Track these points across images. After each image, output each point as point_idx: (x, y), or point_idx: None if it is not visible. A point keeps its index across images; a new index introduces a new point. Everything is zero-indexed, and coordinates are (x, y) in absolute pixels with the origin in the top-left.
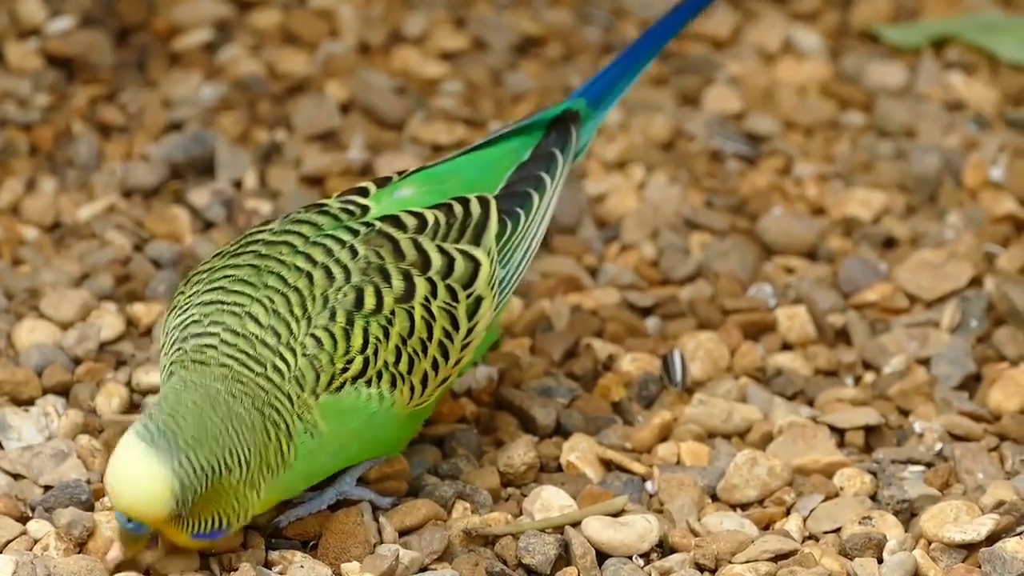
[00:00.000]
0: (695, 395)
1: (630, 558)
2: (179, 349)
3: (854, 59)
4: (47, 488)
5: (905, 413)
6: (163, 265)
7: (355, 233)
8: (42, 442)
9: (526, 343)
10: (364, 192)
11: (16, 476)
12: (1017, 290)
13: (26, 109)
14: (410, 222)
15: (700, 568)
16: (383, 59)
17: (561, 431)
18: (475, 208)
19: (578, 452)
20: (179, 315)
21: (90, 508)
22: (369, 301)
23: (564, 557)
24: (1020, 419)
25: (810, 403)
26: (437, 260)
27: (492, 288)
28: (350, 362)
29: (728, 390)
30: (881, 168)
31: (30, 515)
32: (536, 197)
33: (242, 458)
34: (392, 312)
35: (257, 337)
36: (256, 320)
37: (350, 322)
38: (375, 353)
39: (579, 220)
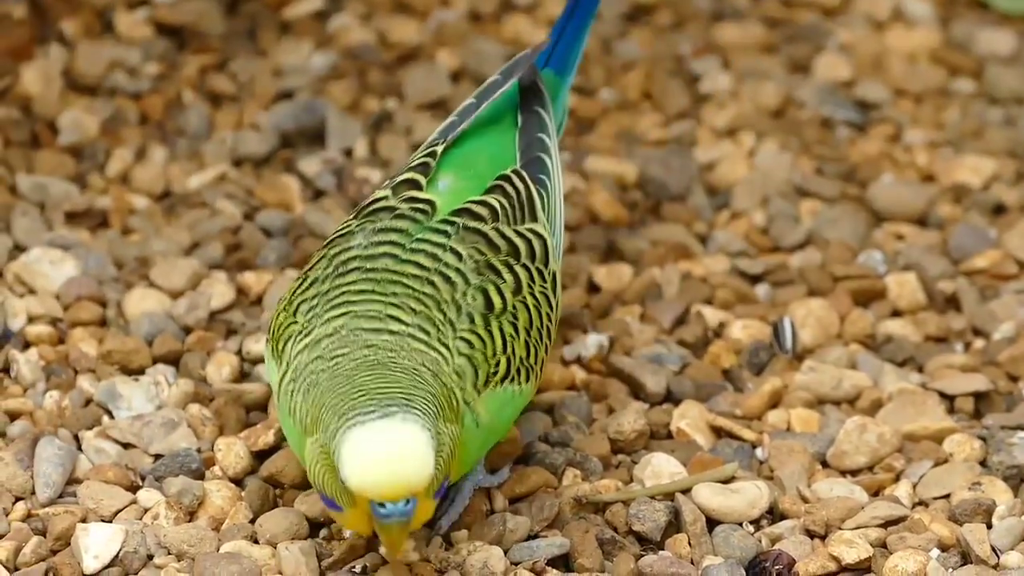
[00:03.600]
0: (805, 362)
1: (740, 524)
2: (319, 358)
3: (964, 26)
4: (157, 457)
5: (1015, 379)
6: (273, 234)
7: (446, 234)
8: (152, 411)
9: (636, 310)
10: (417, 185)
11: (126, 445)
12: None
13: (136, 78)
14: (484, 213)
15: (810, 534)
16: (494, 27)
17: (671, 398)
18: (519, 184)
19: (688, 419)
20: (302, 339)
21: (200, 477)
22: (496, 301)
23: (674, 524)
24: None
25: (920, 369)
26: (521, 245)
27: (557, 260)
28: (498, 364)
29: (838, 357)
30: (991, 135)
31: (140, 484)
32: (549, 161)
33: (440, 406)
34: (514, 307)
35: (406, 332)
36: (399, 320)
37: (487, 324)
38: (513, 351)
39: (689, 188)
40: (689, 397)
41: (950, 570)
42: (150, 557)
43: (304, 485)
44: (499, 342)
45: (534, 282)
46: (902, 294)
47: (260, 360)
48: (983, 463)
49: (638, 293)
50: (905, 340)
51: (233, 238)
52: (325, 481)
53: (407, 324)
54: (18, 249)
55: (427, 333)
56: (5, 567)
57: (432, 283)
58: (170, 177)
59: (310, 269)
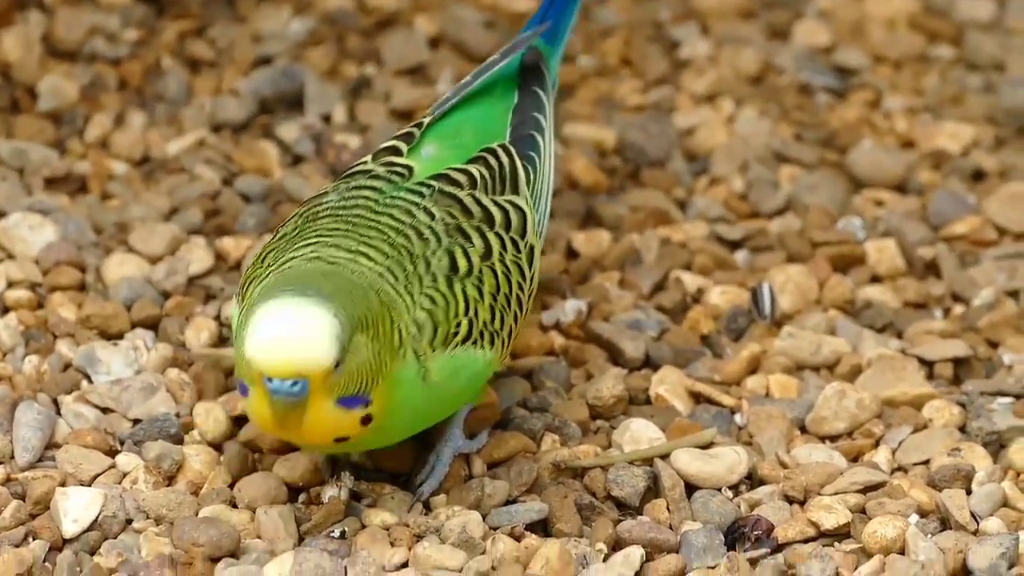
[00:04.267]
0: (784, 328)
1: (719, 490)
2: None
3: None
4: (136, 422)
5: (994, 345)
6: (252, 199)
7: (420, 195)
8: (131, 376)
9: (615, 276)
10: (398, 151)
11: (105, 410)
12: None
13: (115, 44)
14: (462, 179)
15: (789, 500)
16: None
17: (650, 364)
18: (504, 158)
19: (667, 385)
20: (265, 276)
21: (179, 441)
22: (462, 263)
23: (653, 489)
24: None
25: (899, 335)
26: (497, 214)
27: (538, 235)
28: (459, 325)
29: (817, 323)
30: (970, 101)
31: (119, 449)
32: (541, 140)
33: (371, 321)
34: (480, 272)
35: (374, 270)
36: (370, 258)
37: (450, 286)
38: (476, 314)
39: (668, 153)
40: (668, 363)
41: (929, 536)
42: (129, 521)
43: (284, 450)
44: (461, 304)
45: (506, 250)
46: (881, 260)
47: None
48: (962, 429)
49: (617, 259)
50: (884, 306)
51: (212, 203)
52: (239, 362)
53: (377, 263)
54: None
55: (395, 277)
56: None
57: (406, 236)
58: (149, 143)
59: (282, 226)
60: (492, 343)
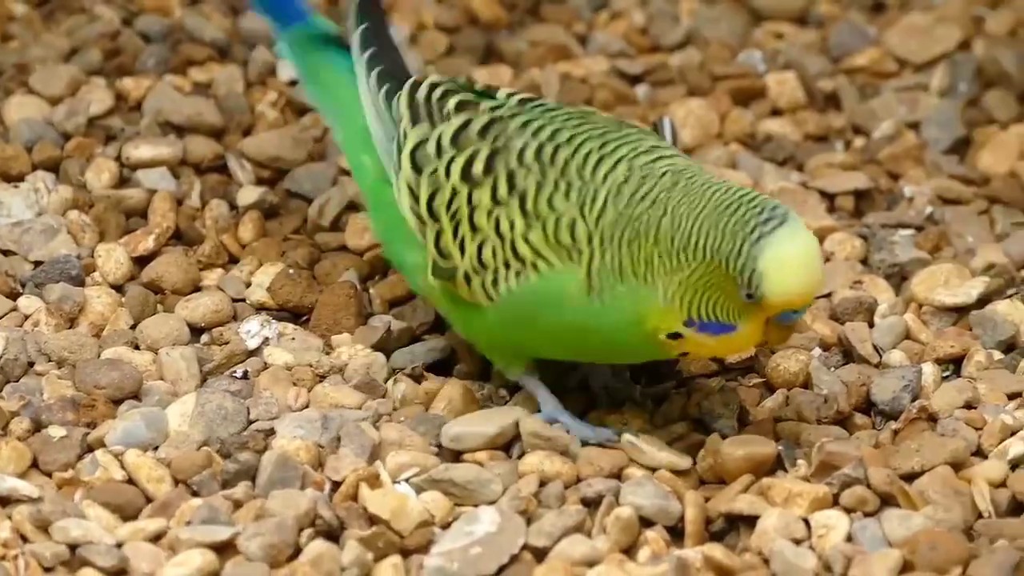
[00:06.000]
0: None
1: None
2: (628, 206)
3: None
4: (37, 264)
5: (895, 177)
6: (152, 39)
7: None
8: (32, 218)
9: None
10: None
11: (6, 252)
12: (1007, 53)
13: None
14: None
15: None
16: None
17: None
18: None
19: None
20: (587, 199)
21: (80, 283)
22: None
23: None
24: (1010, 182)
25: (800, 168)
26: None
27: None
28: None
29: (718, 156)
30: None
31: (20, 291)
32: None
33: None
34: None
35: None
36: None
37: None
38: None
39: None
40: None
41: (832, 369)
42: (31, 364)
43: (185, 291)
44: None
45: None
46: (782, 93)
47: (140, 165)
48: (864, 261)
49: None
50: (785, 139)
51: (112, 44)
52: (712, 307)
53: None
54: None
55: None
56: None
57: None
58: None
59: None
60: None
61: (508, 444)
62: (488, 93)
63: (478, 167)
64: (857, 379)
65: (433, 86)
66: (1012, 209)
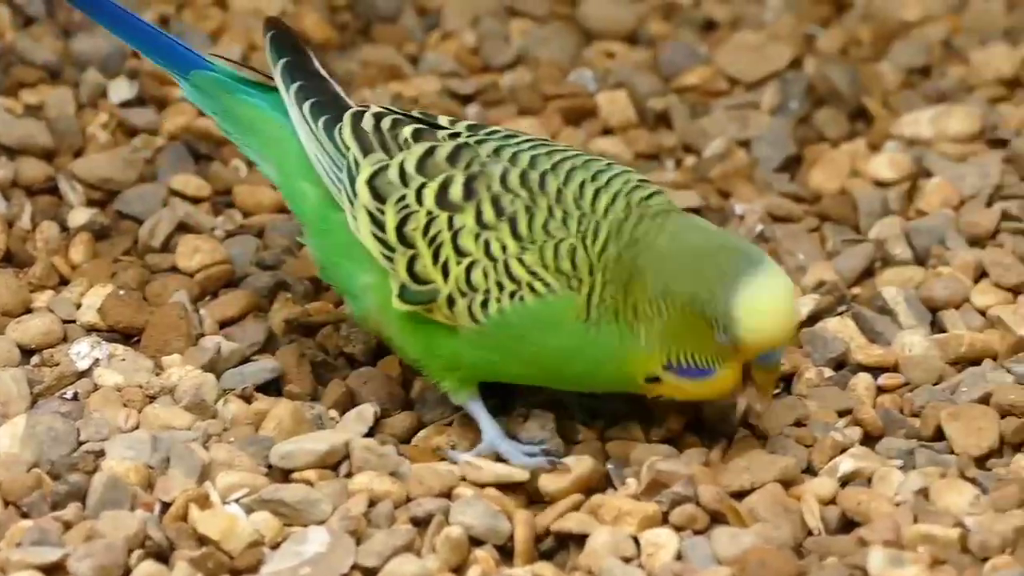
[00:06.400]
0: None
1: None
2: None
3: None
4: None
5: (726, 195)
6: None
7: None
8: None
9: None
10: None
11: None
12: (837, 71)
13: None
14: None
15: None
16: None
17: None
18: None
19: None
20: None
21: None
22: None
23: (385, 346)
24: (840, 199)
25: None
26: None
27: None
28: None
29: None
30: None
31: None
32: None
33: None
34: None
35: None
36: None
37: None
38: None
39: (399, 8)
40: None
41: None
42: None
43: (17, 312)
44: None
45: None
46: (613, 111)
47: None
48: None
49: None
50: (617, 157)
51: None
52: (689, 352)
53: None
54: None
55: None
56: None
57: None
58: None
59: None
60: None
61: (338, 463)
62: (433, 122)
63: (456, 192)
64: None
65: (378, 116)
66: (843, 226)
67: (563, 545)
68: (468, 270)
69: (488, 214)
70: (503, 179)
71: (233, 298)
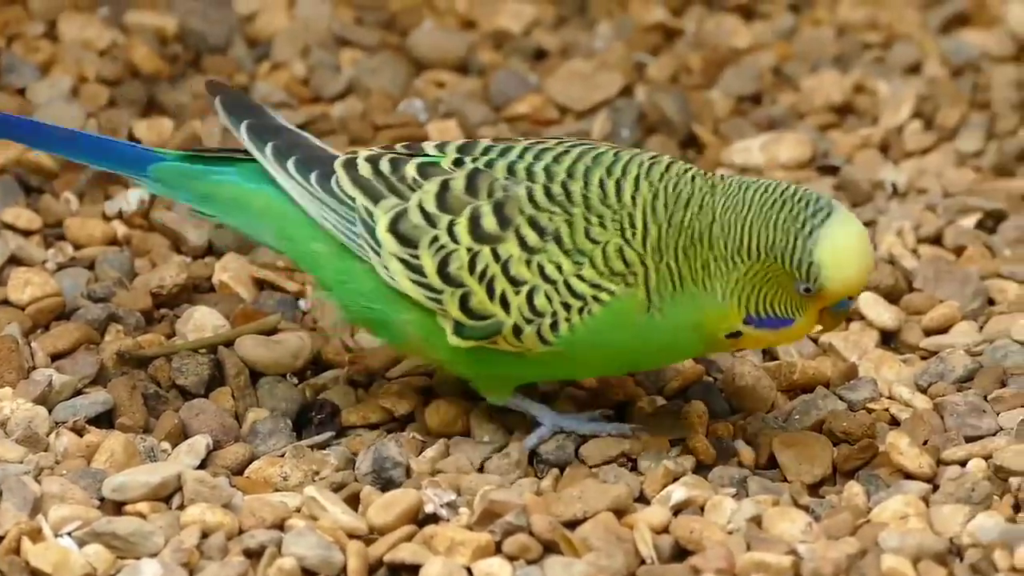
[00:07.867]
0: None
1: (284, 376)
2: (684, 218)
3: None
4: None
5: None
6: None
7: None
8: None
9: None
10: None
11: None
12: (667, 98)
13: None
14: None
15: (354, 384)
16: None
17: (213, 251)
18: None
19: (231, 272)
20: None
21: None
22: None
23: (218, 377)
24: None
25: None
26: None
27: None
28: None
29: None
30: None
31: None
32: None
33: None
34: None
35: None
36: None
37: None
38: None
39: (229, 39)
40: (231, 250)
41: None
42: None
43: None
44: None
45: None
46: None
47: None
48: None
49: (180, 144)
50: None
51: None
52: (769, 303)
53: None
54: None
55: None
56: None
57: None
58: None
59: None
60: None
61: (170, 495)
62: (424, 152)
63: (489, 223)
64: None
65: (373, 160)
66: None
67: (396, 575)
68: (530, 297)
69: (531, 238)
70: (531, 199)
71: (65, 331)
